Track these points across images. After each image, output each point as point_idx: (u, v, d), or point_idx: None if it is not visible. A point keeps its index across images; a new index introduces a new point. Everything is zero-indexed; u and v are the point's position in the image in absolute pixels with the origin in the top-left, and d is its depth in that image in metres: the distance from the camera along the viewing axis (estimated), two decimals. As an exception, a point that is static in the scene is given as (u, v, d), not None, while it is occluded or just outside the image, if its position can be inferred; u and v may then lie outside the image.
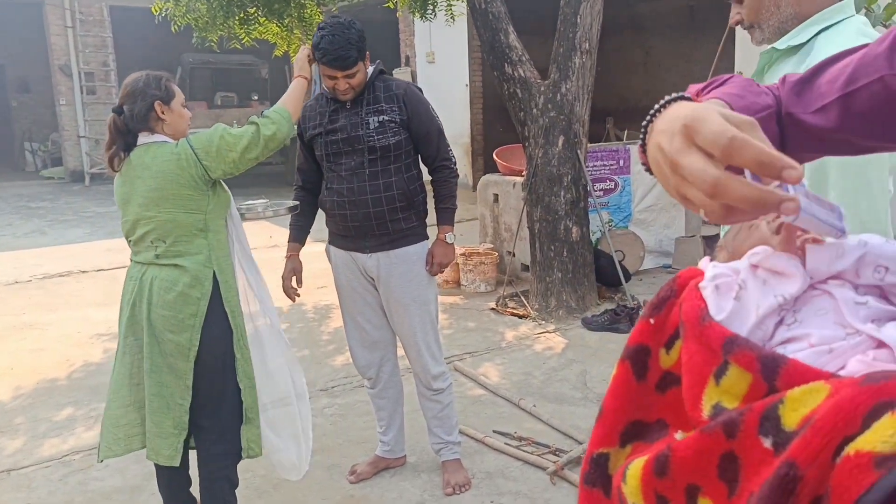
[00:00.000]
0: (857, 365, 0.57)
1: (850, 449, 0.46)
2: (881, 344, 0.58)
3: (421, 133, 2.72)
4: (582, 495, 0.75)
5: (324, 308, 5.32)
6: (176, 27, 5.93)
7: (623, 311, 4.53)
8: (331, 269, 2.85)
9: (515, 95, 5.03)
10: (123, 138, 2.25)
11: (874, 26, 2.23)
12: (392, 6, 6.45)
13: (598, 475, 0.73)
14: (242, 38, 6.09)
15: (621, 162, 5.69)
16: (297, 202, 2.89)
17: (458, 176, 2.89)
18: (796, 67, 1.45)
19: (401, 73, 11.19)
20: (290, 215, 2.86)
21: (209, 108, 12.43)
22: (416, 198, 2.74)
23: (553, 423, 3.31)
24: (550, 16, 7.23)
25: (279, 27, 6.10)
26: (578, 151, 4.94)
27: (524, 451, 3.08)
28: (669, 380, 0.70)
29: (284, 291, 2.85)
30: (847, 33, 1.44)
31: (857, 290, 0.63)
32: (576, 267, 4.96)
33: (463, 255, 5.62)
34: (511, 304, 5.14)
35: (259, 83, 13.68)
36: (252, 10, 5.72)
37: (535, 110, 4.96)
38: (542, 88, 4.95)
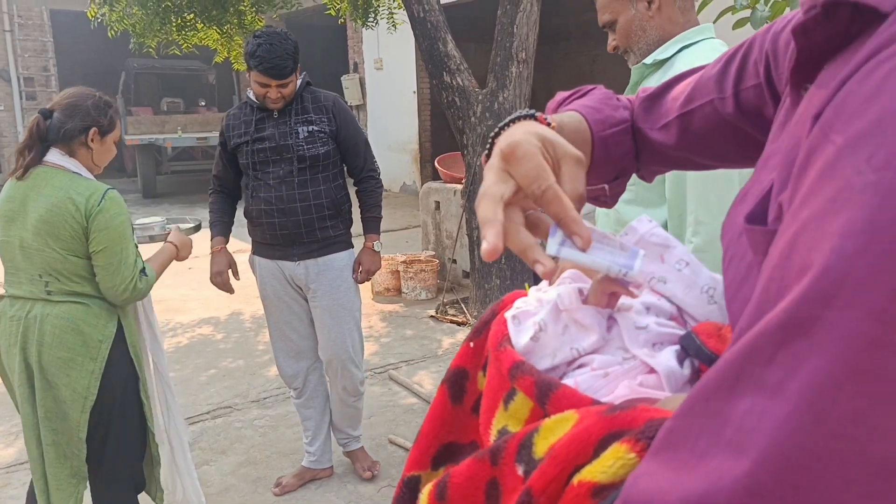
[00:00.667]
0: (624, 390, 0.58)
1: (576, 479, 0.47)
2: (653, 369, 0.59)
3: (349, 144, 2.78)
4: None
5: (261, 318, 5.26)
6: (112, 33, 5.81)
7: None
8: (234, 269, 2.84)
9: (454, 104, 5.06)
10: (39, 146, 2.00)
11: (755, 28, 2.30)
12: (334, 13, 6.43)
13: (409, 499, 0.73)
14: (181, 45, 6.00)
15: (560, 169, 5.75)
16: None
17: (382, 186, 2.95)
18: (659, 81, 1.53)
19: (349, 80, 11.17)
20: (209, 217, 2.87)
21: (154, 114, 12.20)
22: (343, 206, 2.80)
23: (483, 431, 3.32)
24: (488, 24, 7.29)
25: (219, 33, 6.03)
26: (516, 159, 4.97)
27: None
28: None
29: (220, 286, 2.82)
30: (704, 51, 1.56)
31: (648, 310, 0.64)
32: (514, 273, 4.99)
33: (404, 262, 5.62)
34: (451, 312, 5.16)
35: (206, 88, 13.47)
36: (189, 17, 5.64)
37: (472, 119, 4.99)
38: (480, 97, 4.99)
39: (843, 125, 0.38)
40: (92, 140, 2.04)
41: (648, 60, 1.61)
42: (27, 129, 2.03)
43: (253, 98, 2.71)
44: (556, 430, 0.52)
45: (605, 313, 0.65)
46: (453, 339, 4.65)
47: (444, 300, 5.27)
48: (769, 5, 2.19)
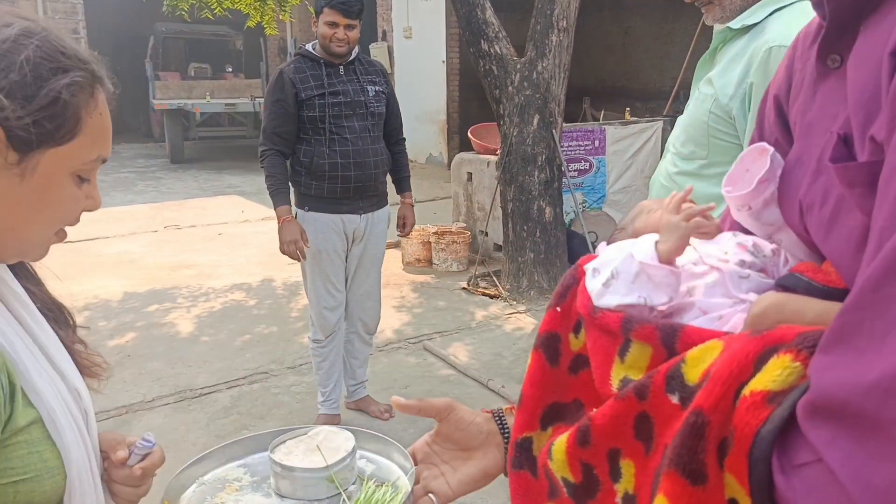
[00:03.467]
0: (741, 323, 0.64)
1: (746, 390, 0.51)
2: None
3: (394, 108, 3.05)
4: (511, 480, 0.79)
5: (293, 285, 5.26)
6: (145, -6, 5.78)
7: (594, 293, 4.53)
8: (304, 237, 2.88)
9: (491, 72, 4.97)
10: None
11: None
12: (368, -22, 6.32)
13: (524, 458, 0.76)
14: (214, 8, 5.94)
15: (596, 143, 5.67)
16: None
17: None
18: (747, 45, 1.47)
19: (377, 48, 11.05)
20: (267, 184, 2.89)
21: (182, 79, 12.18)
22: (389, 164, 3.05)
23: (520, 404, 3.31)
24: (529, -7, 7.13)
25: (252, -3, 5.97)
26: (553, 131, 4.90)
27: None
28: (580, 362, 0.75)
29: (293, 255, 2.88)
30: (798, 14, 1.47)
31: (744, 264, 0.70)
32: (548, 248, 4.94)
33: (435, 233, 5.58)
34: (483, 284, 5.13)
35: (233, 55, 13.42)
36: (223, -21, 5.58)
37: (510, 88, 4.90)
38: (518, 66, 4.89)
39: None
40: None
41: (735, 24, 1.51)
42: None
43: (313, 51, 2.88)
44: (704, 358, 0.56)
45: (677, 275, 0.69)
46: (486, 312, 4.62)
47: (477, 272, 5.23)
48: None
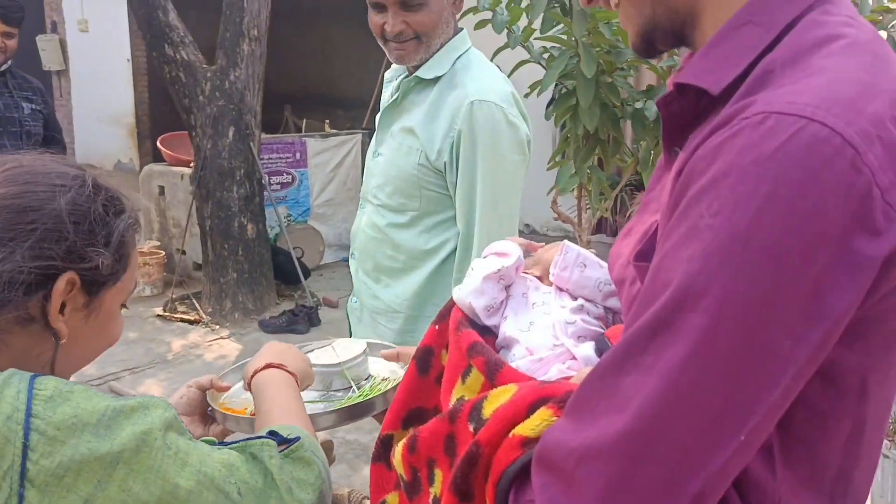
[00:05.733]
0: (555, 372, 0.77)
1: (512, 433, 0.62)
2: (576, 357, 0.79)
3: (55, 134, 2.85)
4: (371, 470, 0.92)
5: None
6: None
7: (301, 311, 4.43)
8: None
9: (178, 80, 4.60)
10: None
11: (512, 48, 2.39)
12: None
13: (383, 453, 0.90)
14: None
15: (298, 155, 5.57)
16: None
17: None
18: (442, 96, 1.49)
19: (46, 41, 9.71)
20: None
21: None
22: None
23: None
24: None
25: None
26: (251, 144, 4.69)
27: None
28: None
29: None
30: (482, 63, 1.53)
31: (580, 310, 0.85)
32: (252, 266, 4.72)
33: (124, 255, 5.03)
34: (181, 309, 4.73)
35: None
36: None
37: (201, 97, 4.58)
38: (209, 74, 4.59)
39: (693, 181, 0.53)
40: (58, 304, 0.78)
41: (427, 75, 1.51)
42: None
43: None
44: (500, 397, 0.67)
45: (501, 288, 0.91)
46: (185, 340, 4.26)
47: (174, 296, 4.82)
48: (522, 30, 2.26)
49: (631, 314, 0.56)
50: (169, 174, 5.43)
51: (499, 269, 0.88)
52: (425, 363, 0.90)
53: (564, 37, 2.27)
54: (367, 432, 3.21)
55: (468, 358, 0.77)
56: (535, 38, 2.32)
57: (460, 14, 2.13)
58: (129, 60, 9.47)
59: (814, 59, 0.55)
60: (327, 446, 2.96)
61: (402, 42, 1.49)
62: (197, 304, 4.74)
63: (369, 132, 6.52)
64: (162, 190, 5.46)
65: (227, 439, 0.96)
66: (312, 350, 1.21)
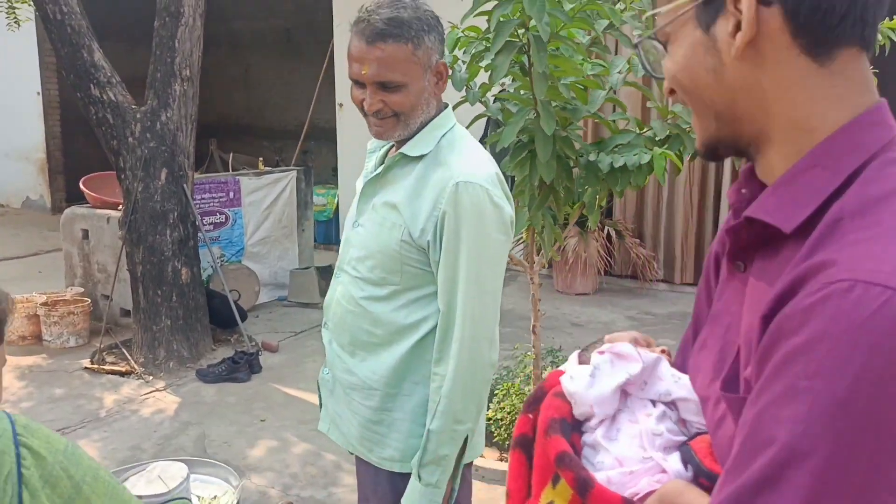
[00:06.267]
0: (645, 485, 0.79)
1: None
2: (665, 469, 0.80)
3: None
4: None
5: None
6: None
7: (242, 358, 4.30)
8: None
9: (106, 121, 4.43)
10: None
11: (472, 103, 2.42)
12: (-70, -3, 5.16)
13: None
14: None
15: (231, 194, 5.43)
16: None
17: None
18: (426, 174, 1.49)
19: (-53, 73, 9.16)
20: None
21: None
22: None
23: None
24: (134, 23, 6.62)
25: None
26: (185, 185, 4.55)
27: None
28: None
29: None
30: (467, 142, 1.54)
31: (654, 405, 0.87)
32: (187, 312, 4.56)
33: (45, 304, 4.76)
34: (110, 360, 4.51)
35: None
36: None
37: (131, 139, 4.43)
38: (139, 115, 4.45)
39: (784, 339, 0.58)
40: None
41: (413, 153, 1.51)
42: None
43: None
44: None
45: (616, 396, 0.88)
46: (117, 395, 4.05)
47: (101, 346, 4.58)
48: (479, 87, 2.30)
49: (731, 463, 0.60)
50: (93, 217, 5.20)
51: (627, 379, 0.87)
52: (530, 451, 0.90)
53: (522, 93, 2.32)
54: (321, 487, 3.13)
55: (556, 467, 0.80)
56: (494, 95, 2.36)
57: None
58: (38, 94, 9.06)
59: (884, 215, 0.60)
60: None
61: (380, 119, 1.49)
62: (128, 354, 4.53)
63: (303, 169, 6.45)
64: (86, 234, 5.21)
65: None
66: (129, 478, 1.20)
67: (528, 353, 3.37)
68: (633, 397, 0.89)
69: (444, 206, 1.44)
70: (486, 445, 3.40)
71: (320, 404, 1.77)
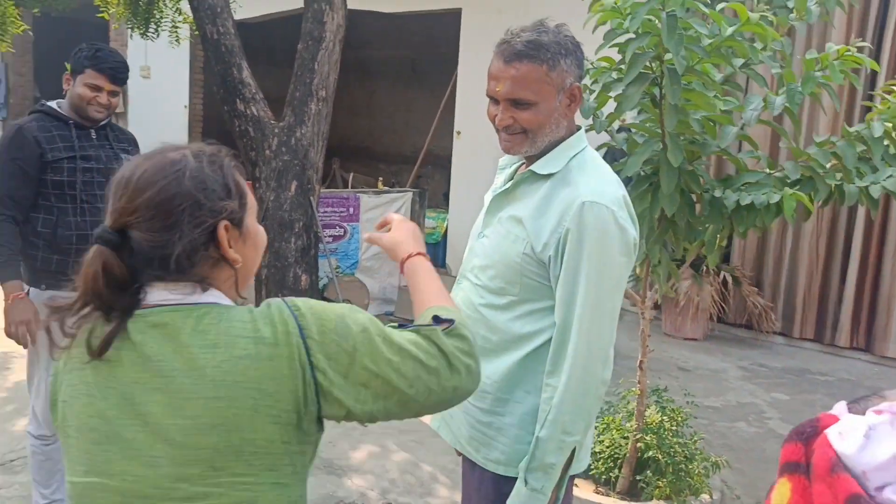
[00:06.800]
0: None
1: None
2: None
3: None
4: None
5: (1, 358, 4.47)
6: None
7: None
8: (37, 318, 2.44)
9: (247, 133, 4.78)
10: (116, 296, 0.98)
11: (598, 132, 2.48)
12: (107, 17, 5.77)
13: None
14: None
15: (351, 209, 5.71)
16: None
17: None
18: (553, 192, 1.54)
19: (109, 84, 10.11)
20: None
21: None
22: None
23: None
24: (284, 48, 7.06)
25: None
26: (311, 198, 4.83)
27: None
28: None
29: (21, 338, 2.43)
30: (596, 164, 1.58)
31: None
32: None
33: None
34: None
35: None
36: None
37: (267, 152, 4.75)
38: (277, 130, 4.77)
39: None
40: (230, 245, 1.01)
41: (542, 171, 1.57)
42: (84, 274, 0.99)
43: (59, 109, 2.58)
44: None
45: None
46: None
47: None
48: (606, 116, 2.36)
49: None
50: (226, 222, 5.59)
51: None
52: (800, 474, 0.83)
53: (649, 125, 2.36)
54: (418, 496, 3.22)
55: None
56: (622, 125, 2.41)
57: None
58: (186, 107, 9.82)
59: None
60: None
61: (510, 134, 1.56)
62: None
63: (419, 191, 6.64)
64: (218, 236, 5.60)
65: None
66: None
67: (633, 390, 3.34)
68: None
69: (568, 224, 1.49)
70: (583, 477, 3.38)
71: None
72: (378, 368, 0.99)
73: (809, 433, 0.84)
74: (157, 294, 0.99)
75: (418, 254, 1.35)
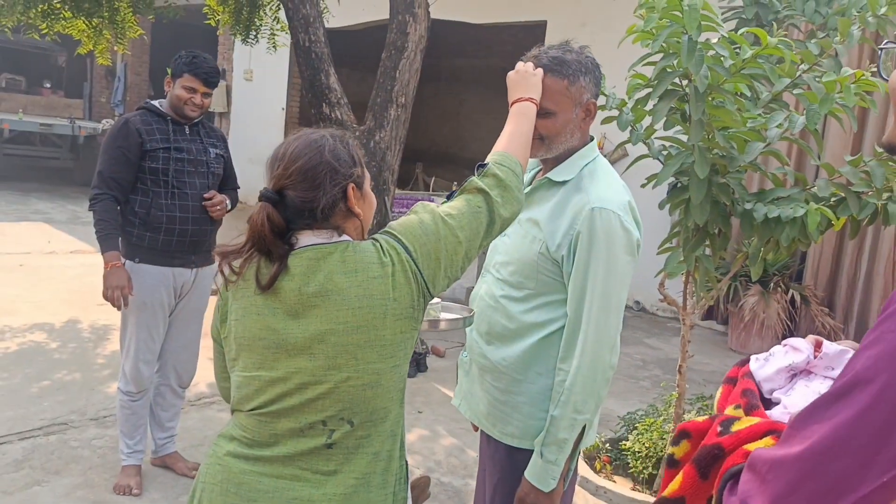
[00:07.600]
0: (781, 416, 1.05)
1: (744, 447, 0.95)
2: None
3: (230, 172, 3.23)
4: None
5: (102, 328, 5.01)
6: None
7: (412, 356, 4.74)
8: (130, 285, 2.85)
9: (330, 136, 5.15)
10: (275, 240, 1.33)
11: (634, 144, 2.64)
12: (213, 24, 6.31)
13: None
14: (43, 30, 5.64)
15: (425, 211, 5.98)
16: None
17: None
18: (566, 198, 1.72)
19: (216, 86, 10.85)
20: (97, 228, 2.85)
21: (-10, 90, 11.17)
22: (221, 221, 3.17)
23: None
24: (369, 56, 7.43)
25: (86, 25, 5.73)
26: (386, 198, 5.14)
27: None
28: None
29: (115, 301, 2.82)
30: (606, 172, 1.75)
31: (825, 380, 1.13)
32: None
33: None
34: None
35: (54, 70, 12.53)
36: (57, 4, 5.33)
37: (348, 153, 5.10)
38: (358, 133, 5.11)
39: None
40: (353, 203, 1.38)
41: (557, 177, 1.75)
42: (254, 226, 1.33)
43: (160, 107, 2.98)
44: (746, 423, 1.00)
45: (787, 377, 1.16)
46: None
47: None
48: (633, 111, 2.52)
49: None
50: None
51: (790, 364, 1.13)
52: (729, 384, 1.19)
53: (683, 138, 2.51)
54: (460, 477, 3.44)
55: (741, 398, 1.10)
56: (656, 137, 2.56)
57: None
58: (283, 109, 10.42)
59: None
60: (423, 483, 3.21)
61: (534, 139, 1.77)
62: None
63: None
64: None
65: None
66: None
67: (674, 394, 3.44)
68: (816, 375, 1.13)
69: (579, 227, 1.67)
70: (620, 475, 3.52)
71: (456, 382, 2.05)
72: (454, 241, 1.39)
73: (745, 360, 1.19)
74: (307, 238, 1.35)
75: (528, 99, 1.65)
